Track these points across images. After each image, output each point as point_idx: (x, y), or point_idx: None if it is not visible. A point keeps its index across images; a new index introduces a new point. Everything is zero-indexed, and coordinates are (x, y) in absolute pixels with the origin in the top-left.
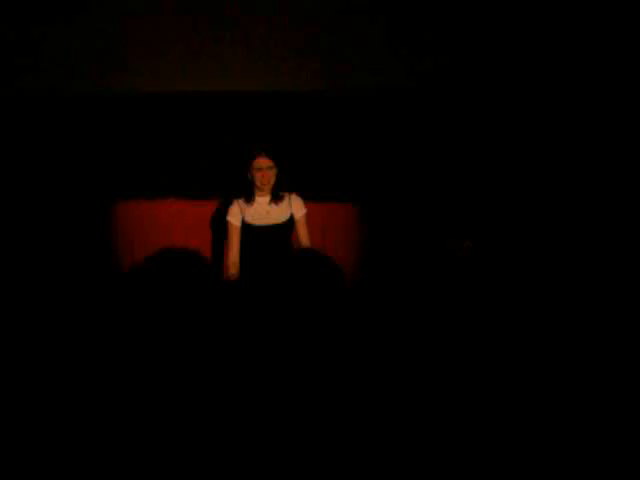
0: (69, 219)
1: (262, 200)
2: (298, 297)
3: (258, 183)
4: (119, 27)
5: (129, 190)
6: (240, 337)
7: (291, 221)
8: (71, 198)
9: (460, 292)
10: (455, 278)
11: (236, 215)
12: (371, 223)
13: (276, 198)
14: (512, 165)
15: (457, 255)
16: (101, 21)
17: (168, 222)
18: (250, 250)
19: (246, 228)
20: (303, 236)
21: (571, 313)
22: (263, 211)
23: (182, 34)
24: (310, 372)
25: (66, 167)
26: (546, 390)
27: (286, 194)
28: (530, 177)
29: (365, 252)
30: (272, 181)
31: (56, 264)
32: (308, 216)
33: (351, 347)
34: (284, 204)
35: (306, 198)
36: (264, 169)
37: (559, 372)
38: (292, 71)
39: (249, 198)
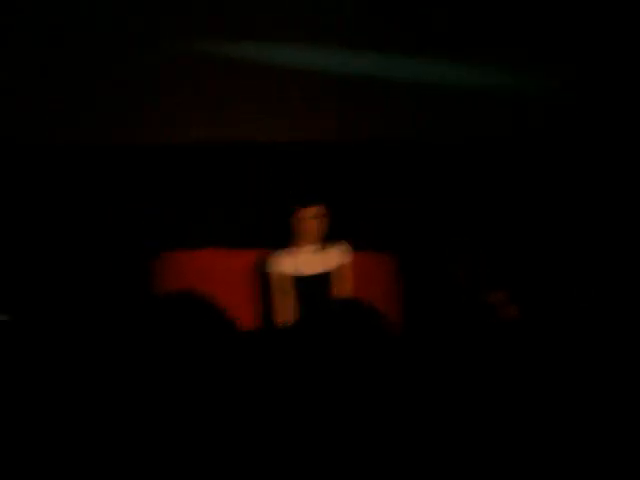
0: (111, 274)
1: (306, 249)
2: (343, 354)
3: (306, 233)
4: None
5: (169, 242)
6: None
7: (333, 271)
8: (111, 252)
9: (505, 351)
10: (497, 336)
11: (282, 264)
12: (407, 272)
13: (324, 247)
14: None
15: (493, 308)
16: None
17: (209, 272)
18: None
19: (285, 279)
20: (345, 286)
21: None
22: (307, 260)
23: (216, 82)
24: (352, 435)
25: (101, 220)
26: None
27: (332, 242)
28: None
29: (403, 304)
30: (322, 231)
31: (97, 320)
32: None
33: (396, 408)
34: (330, 253)
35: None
36: (313, 218)
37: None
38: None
39: (291, 247)
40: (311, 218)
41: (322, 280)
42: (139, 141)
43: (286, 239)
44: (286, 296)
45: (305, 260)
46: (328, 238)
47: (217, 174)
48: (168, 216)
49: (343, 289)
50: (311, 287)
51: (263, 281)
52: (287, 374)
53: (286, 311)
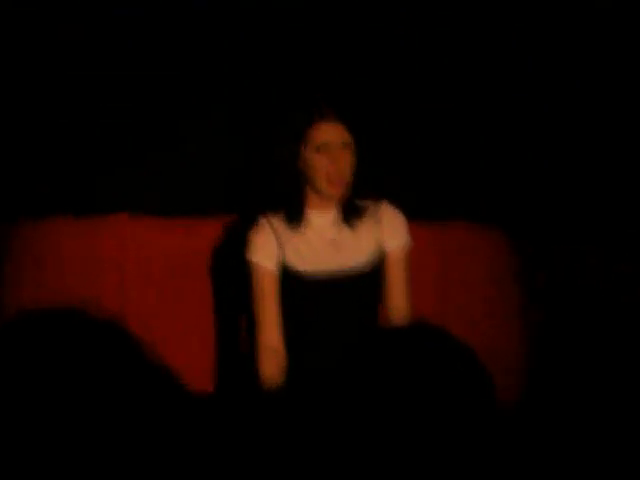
0: None
1: (321, 220)
2: (409, 430)
3: (323, 181)
4: None
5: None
6: None
7: (380, 260)
8: None
9: None
10: None
11: (269, 252)
12: (541, 268)
13: (352, 213)
14: None
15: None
16: None
17: (123, 255)
18: (300, 324)
19: (290, 278)
20: (399, 290)
21: None
22: (323, 242)
23: None
24: None
25: None
26: None
27: (369, 204)
28: None
29: (530, 332)
30: (349, 176)
31: None
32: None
33: None
34: (367, 225)
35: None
36: (336, 147)
37: None
38: None
39: (294, 216)
40: (339, 147)
41: (357, 280)
42: None
43: (280, 199)
44: (286, 316)
45: (320, 241)
46: (364, 195)
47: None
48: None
49: (395, 294)
50: (335, 296)
51: (235, 279)
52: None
53: (275, 340)
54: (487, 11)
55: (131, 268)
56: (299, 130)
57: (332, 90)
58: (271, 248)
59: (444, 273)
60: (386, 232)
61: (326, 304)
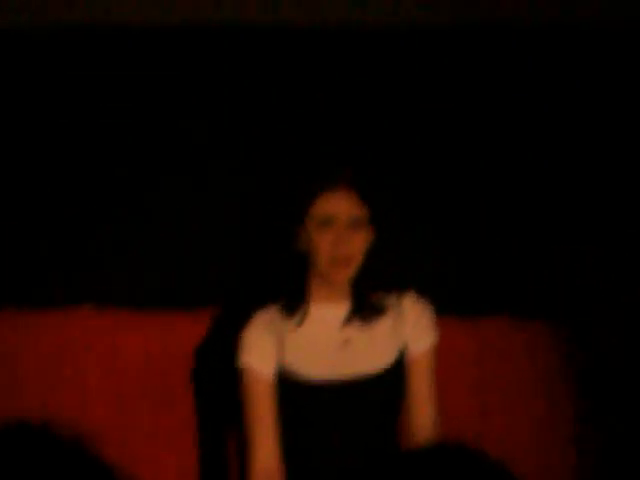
0: None
1: (330, 315)
2: None
3: (325, 263)
4: None
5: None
6: None
7: (401, 365)
8: None
9: None
10: None
11: (265, 354)
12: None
13: (369, 308)
14: None
15: None
16: None
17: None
18: (301, 443)
19: (290, 386)
20: (425, 401)
21: None
22: (333, 343)
23: None
24: None
25: None
26: None
27: (390, 296)
28: None
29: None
30: (360, 257)
31: None
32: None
33: None
34: (386, 322)
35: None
36: (344, 223)
37: None
38: None
39: (296, 309)
40: (347, 225)
41: (373, 390)
42: None
43: (280, 286)
44: (286, 432)
45: (328, 341)
46: (382, 285)
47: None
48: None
49: (421, 409)
50: (346, 409)
51: (223, 388)
52: None
53: (270, 464)
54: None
55: (96, 371)
56: (301, 201)
57: (345, 153)
58: (268, 349)
59: (482, 379)
60: (410, 331)
61: (334, 418)
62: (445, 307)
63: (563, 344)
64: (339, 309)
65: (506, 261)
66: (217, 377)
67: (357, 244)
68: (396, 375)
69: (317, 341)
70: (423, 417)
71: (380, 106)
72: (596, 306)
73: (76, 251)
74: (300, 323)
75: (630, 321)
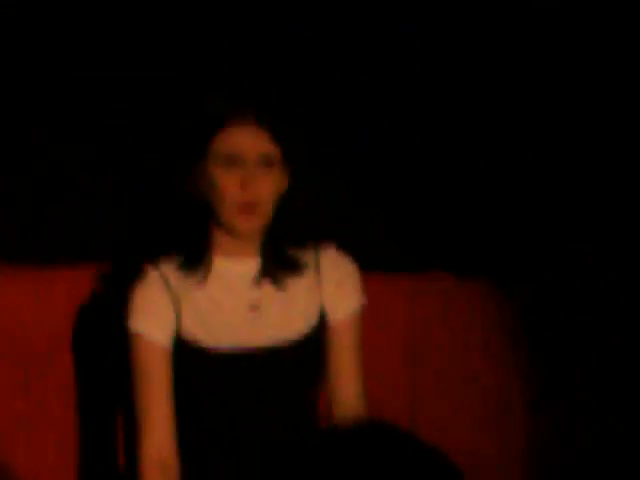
0: None
1: (236, 274)
2: None
3: (229, 209)
4: None
5: None
6: None
7: (321, 330)
8: None
9: None
10: None
11: (160, 317)
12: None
13: (282, 265)
14: None
15: None
16: None
17: None
18: (202, 422)
19: (188, 354)
20: (348, 371)
21: None
22: (239, 305)
23: None
24: None
25: None
26: None
27: (308, 250)
28: None
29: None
30: (269, 202)
31: None
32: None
33: None
34: (303, 281)
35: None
36: (253, 162)
37: None
38: None
39: (195, 264)
40: (255, 164)
41: (287, 360)
42: None
43: (176, 237)
44: (184, 408)
45: (233, 303)
46: (299, 239)
47: None
48: None
49: (344, 380)
50: (250, 379)
51: (106, 357)
52: None
53: (163, 448)
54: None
55: None
56: (199, 136)
57: (253, 79)
58: (162, 311)
59: (415, 342)
60: (331, 291)
61: (242, 394)
62: (370, 264)
63: (499, 302)
64: (248, 266)
65: (439, 213)
66: (101, 343)
67: (267, 187)
68: (315, 343)
69: (222, 303)
70: (346, 390)
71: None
72: (530, 263)
73: None
74: (201, 281)
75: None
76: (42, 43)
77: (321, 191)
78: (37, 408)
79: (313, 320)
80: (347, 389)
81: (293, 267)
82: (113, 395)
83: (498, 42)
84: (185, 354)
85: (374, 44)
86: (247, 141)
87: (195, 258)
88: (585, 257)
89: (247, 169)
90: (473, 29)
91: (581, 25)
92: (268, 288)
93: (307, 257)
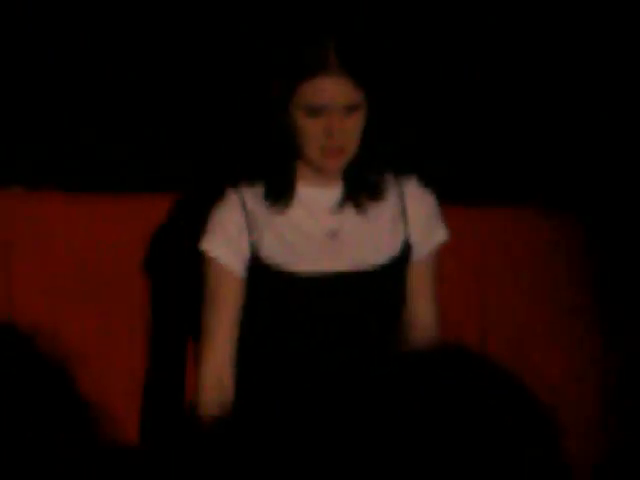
0: None
1: (318, 200)
2: None
3: (315, 153)
4: None
5: None
6: None
7: (405, 258)
8: None
9: None
10: None
11: (236, 243)
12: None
13: (365, 192)
14: None
15: None
16: None
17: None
18: (278, 345)
19: (267, 277)
20: (426, 300)
21: None
22: (320, 231)
23: None
24: None
25: None
26: None
27: (390, 180)
28: None
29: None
30: (354, 143)
31: None
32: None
33: None
34: (385, 209)
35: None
36: (337, 111)
37: None
38: None
39: (279, 191)
40: (339, 107)
41: (361, 287)
42: None
43: (260, 167)
44: (254, 329)
45: (314, 229)
46: (381, 168)
47: None
48: None
49: (421, 309)
50: (330, 304)
51: (183, 275)
52: None
53: (221, 368)
54: None
55: (23, 259)
56: (286, 84)
57: (340, 32)
58: (238, 236)
59: (484, 275)
60: (419, 225)
61: (320, 317)
62: (448, 196)
63: (581, 237)
64: (330, 193)
65: (514, 149)
66: (177, 267)
67: (352, 130)
68: (396, 272)
69: (302, 229)
70: (423, 316)
71: None
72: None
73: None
74: (284, 208)
75: None
76: None
77: (404, 121)
78: (109, 332)
79: (396, 250)
80: (424, 316)
81: (375, 192)
82: (184, 320)
83: None
84: (265, 278)
85: None
86: (331, 91)
87: (280, 187)
88: None
89: (332, 117)
90: None
91: None
92: (350, 215)
93: (389, 187)
